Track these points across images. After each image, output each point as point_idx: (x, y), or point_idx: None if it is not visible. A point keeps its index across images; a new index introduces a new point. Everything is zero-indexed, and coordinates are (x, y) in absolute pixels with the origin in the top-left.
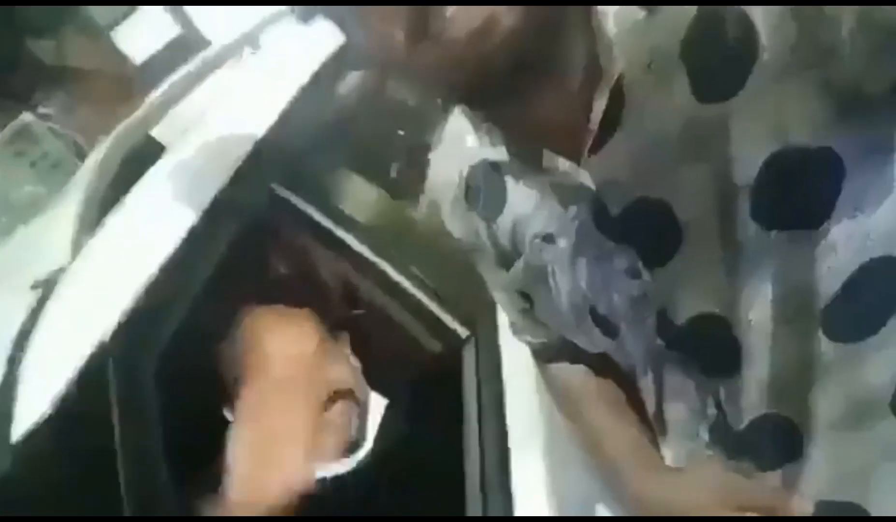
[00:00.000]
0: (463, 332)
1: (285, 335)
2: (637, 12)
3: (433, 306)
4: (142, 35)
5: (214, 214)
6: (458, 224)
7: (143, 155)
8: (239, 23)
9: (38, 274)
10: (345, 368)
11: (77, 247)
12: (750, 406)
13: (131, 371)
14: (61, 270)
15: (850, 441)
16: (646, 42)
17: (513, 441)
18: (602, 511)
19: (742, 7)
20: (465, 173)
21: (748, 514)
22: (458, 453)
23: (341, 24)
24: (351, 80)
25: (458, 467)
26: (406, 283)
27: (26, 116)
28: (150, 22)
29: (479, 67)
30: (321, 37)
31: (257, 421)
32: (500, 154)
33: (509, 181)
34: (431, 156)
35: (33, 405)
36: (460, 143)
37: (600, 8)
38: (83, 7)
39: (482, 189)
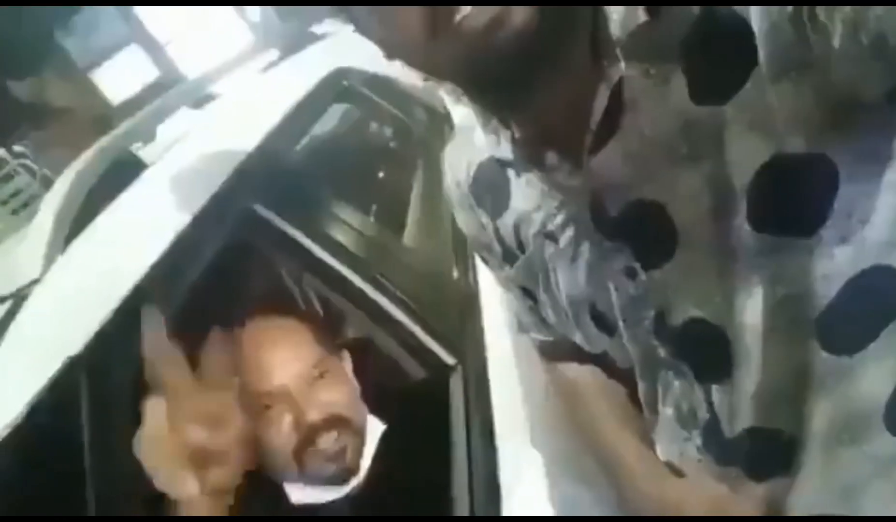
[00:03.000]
0: (450, 360)
1: (282, 347)
2: (640, 15)
3: (418, 331)
4: (121, 76)
5: (195, 231)
6: (465, 220)
7: (123, 172)
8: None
9: (8, 288)
10: (340, 392)
11: (49, 260)
12: (742, 413)
13: (106, 384)
14: (33, 283)
15: (842, 456)
16: (647, 45)
17: (503, 473)
18: None
19: (739, 11)
20: (472, 170)
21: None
22: (445, 485)
23: (357, 18)
24: (334, 115)
25: (446, 500)
26: (391, 308)
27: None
28: (130, 63)
29: (490, 62)
30: (304, 71)
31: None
32: (505, 151)
33: (513, 179)
34: (445, 151)
35: None
36: (470, 140)
37: (606, 9)
38: (64, 47)
39: (488, 185)
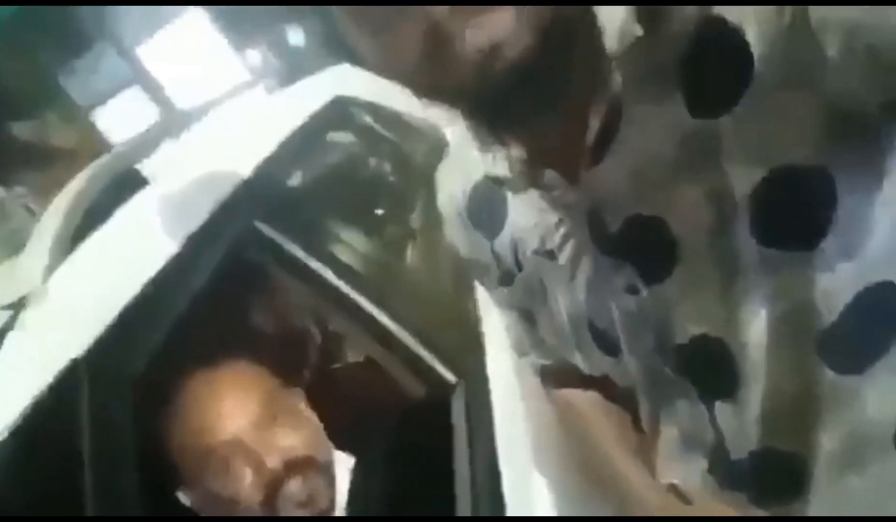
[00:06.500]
0: (452, 378)
1: (230, 395)
2: (636, 29)
3: (420, 349)
4: (121, 116)
5: (196, 246)
6: (461, 240)
7: (125, 187)
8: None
9: (10, 298)
10: (297, 434)
11: (51, 273)
12: (749, 434)
13: (105, 392)
14: (34, 292)
15: (852, 480)
16: (644, 58)
17: (507, 494)
18: None
19: (735, 24)
20: (468, 189)
21: None
22: (448, 506)
23: (356, 45)
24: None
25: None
26: (393, 327)
27: None
28: (130, 104)
29: (487, 89)
30: (303, 99)
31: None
32: (502, 169)
33: (510, 197)
34: (438, 171)
35: None
36: (465, 159)
37: (601, 24)
38: (66, 88)
39: (484, 205)
